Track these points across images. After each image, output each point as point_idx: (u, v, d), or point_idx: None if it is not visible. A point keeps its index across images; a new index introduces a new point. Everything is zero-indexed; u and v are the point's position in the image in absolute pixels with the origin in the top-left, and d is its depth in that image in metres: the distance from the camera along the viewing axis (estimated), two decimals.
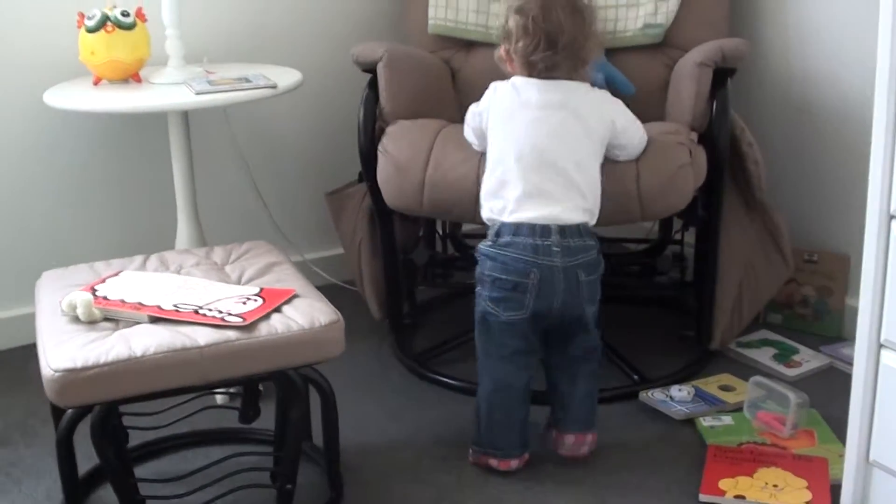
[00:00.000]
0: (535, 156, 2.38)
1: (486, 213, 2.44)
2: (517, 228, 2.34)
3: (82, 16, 2.75)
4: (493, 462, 2.45)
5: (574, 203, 2.37)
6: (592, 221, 2.40)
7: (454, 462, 2.48)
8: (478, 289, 2.42)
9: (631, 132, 2.51)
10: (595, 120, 2.45)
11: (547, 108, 2.43)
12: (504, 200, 2.38)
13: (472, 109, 2.58)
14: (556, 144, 2.39)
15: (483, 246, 2.39)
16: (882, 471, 2.07)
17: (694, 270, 2.94)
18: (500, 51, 2.53)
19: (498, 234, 2.36)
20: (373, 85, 2.85)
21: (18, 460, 2.52)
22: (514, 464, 2.44)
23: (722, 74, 2.67)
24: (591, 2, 2.60)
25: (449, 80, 3.10)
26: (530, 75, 2.47)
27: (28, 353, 2.94)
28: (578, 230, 2.36)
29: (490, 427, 2.44)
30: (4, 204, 3.06)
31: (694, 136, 2.64)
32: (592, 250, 2.38)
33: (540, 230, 2.33)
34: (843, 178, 2.99)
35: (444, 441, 2.57)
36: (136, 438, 2.37)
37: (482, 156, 2.56)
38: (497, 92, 2.52)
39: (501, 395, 2.43)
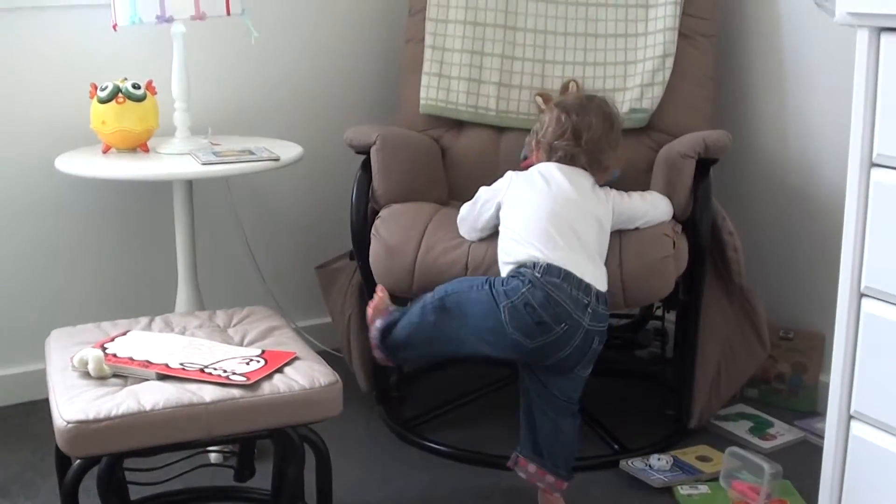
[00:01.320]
0: (568, 225, 2.48)
1: (521, 256, 2.46)
2: (567, 276, 2.40)
3: (95, 87, 2.86)
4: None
5: (602, 275, 2.49)
6: None
7: None
8: (486, 285, 2.44)
9: (627, 200, 2.66)
10: (603, 198, 2.61)
11: (569, 186, 2.56)
12: (544, 250, 2.43)
13: (486, 189, 2.68)
14: (585, 219, 2.52)
15: (529, 271, 2.41)
16: None
17: (674, 349, 3.02)
18: (532, 138, 2.71)
19: (547, 272, 2.40)
20: (365, 166, 2.94)
21: None
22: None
23: (704, 164, 2.76)
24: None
25: (439, 159, 3.19)
26: (548, 160, 2.62)
27: (27, 410, 3.04)
28: (605, 300, 2.46)
29: (411, 344, 2.54)
30: (10, 264, 3.15)
31: (678, 226, 2.74)
32: (608, 322, 2.49)
33: (584, 287, 2.41)
34: (819, 260, 3.09)
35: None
36: (133, 494, 2.43)
37: (472, 242, 2.67)
38: (515, 176, 2.64)
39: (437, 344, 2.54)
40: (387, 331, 2.54)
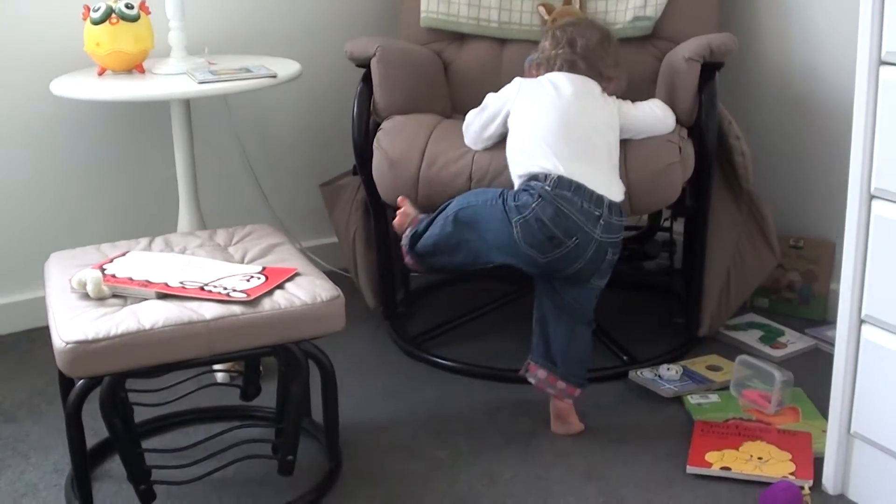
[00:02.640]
0: (580, 134, 2.47)
1: (531, 168, 2.43)
2: (577, 189, 2.38)
3: (87, 8, 2.81)
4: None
5: (618, 184, 2.47)
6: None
7: (448, 438, 2.54)
8: (508, 202, 2.42)
9: (633, 111, 2.62)
10: (611, 105, 2.58)
11: (579, 94, 2.53)
12: (555, 161, 2.41)
13: (494, 96, 2.64)
14: (596, 128, 2.50)
15: (538, 184, 2.39)
16: (863, 442, 2.15)
17: (683, 258, 3.00)
18: (532, 61, 2.69)
19: (558, 185, 2.38)
20: (366, 80, 2.90)
21: (26, 436, 2.58)
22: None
23: (710, 69, 2.71)
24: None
25: (441, 72, 3.15)
26: (549, 71, 2.60)
27: (33, 336, 3.05)
28: (619, 210, 2.44)
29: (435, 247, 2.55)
30: (10, 190, 3.13)
31: (683, 131, 2.70)
32: (622, 232, 2.47)
33: (596, 199, 2.39)
34: (827, 167, 3.06)
35: (438, 418, 2.64)
36: (140, 415, 2.43)
37: (476, 153, 2.64)
38: (524, 82, 2.61)
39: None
40: (416, 238, 2.55)
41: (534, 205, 2.37)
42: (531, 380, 2.54)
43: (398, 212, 2.63)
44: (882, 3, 1.94)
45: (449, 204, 2.52)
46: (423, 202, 2.67)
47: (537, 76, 2.64)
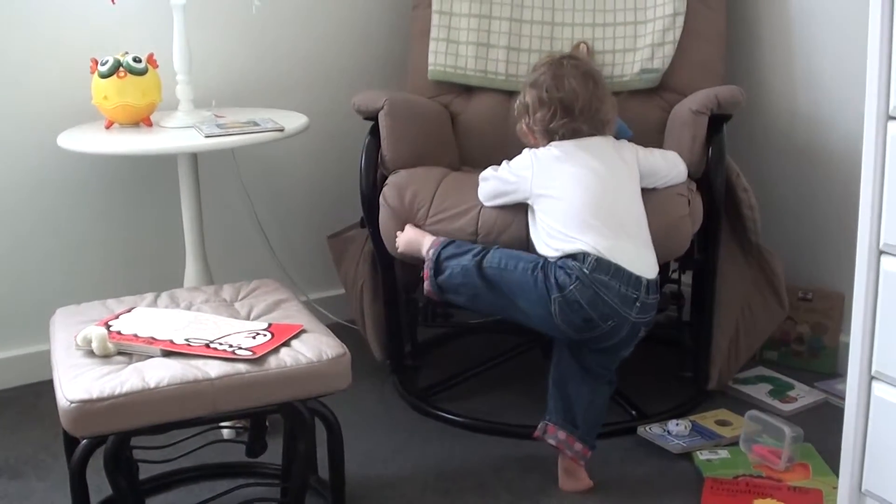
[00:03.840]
0: (614, 208, 2.43)
1: (568, 249, 2.39)
2: (616, 272, 2.36)
3: (95, 62, 2.82)
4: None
5: (652, 257, 2.45)
6: None
7: (456, 495, 2.52)
8: (545, 281, 2.38)
9: (650, 158, 2.59)
10: (630, 160, 2.54)
11: (601, 162, 2.48)
12: (593, 241, 2.37)
13: (509, 171, 2.57)
14: (629, 198, 2.47)
15: (576, 265, 2.36)
16: (874, 500, 2.11)
17: (691, 311, 2.98)
18: (522, 126, 2.60)
19: (596, 268, 2.35)
20: (374, 132, 2.90)
21: (31, 493, 2.56)
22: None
23: (717, 121, 2.71)
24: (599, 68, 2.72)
25: (449, 124, 3.16)
26: (551, 142, 2.54)
27: (39, 390, 3.03)
28: (655, 287, 2.43)
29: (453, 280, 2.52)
30: (16, 243, 3.12)
31: (692, 184, 2.69)
32: (655, 310, 2.46)
33: (634, 282, 2.37)
34: (837, 218, 3.05)
35: (446, 475, 2.61)
36: (144, 472, 2.41)
37: (481, 206, 2.62)
38: (537, 158, 2.53)
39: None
40: (439, 265, 2.51)
41: (571, 286, 2.35)
42: (550, 441, 2.50)
43: (399, 234, 2.64)
44: (889, 59, 1.93)
45: (469, 247, 2.50)
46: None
47: (534, 143, 2.58)
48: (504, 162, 2.61)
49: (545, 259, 2.41)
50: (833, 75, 3.01)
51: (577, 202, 2.42)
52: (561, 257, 2.39)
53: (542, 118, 2.54)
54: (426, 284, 2.55)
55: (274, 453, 2.48)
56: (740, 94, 2.78)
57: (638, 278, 2.38)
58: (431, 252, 2.53)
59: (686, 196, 2.61)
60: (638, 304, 2.38)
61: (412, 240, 2.62)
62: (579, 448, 2.49)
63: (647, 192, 2.58)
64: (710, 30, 3.07)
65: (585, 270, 2.34)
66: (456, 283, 2.49)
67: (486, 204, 2.62)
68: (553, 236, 2.43)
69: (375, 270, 2.98)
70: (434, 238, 2.58)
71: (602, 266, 2.35)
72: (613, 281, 2.35)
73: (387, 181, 2.81)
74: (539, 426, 2.52)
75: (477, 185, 2.64)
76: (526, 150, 2.57)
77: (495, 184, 2.59)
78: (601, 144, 2.53)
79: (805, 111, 3.11)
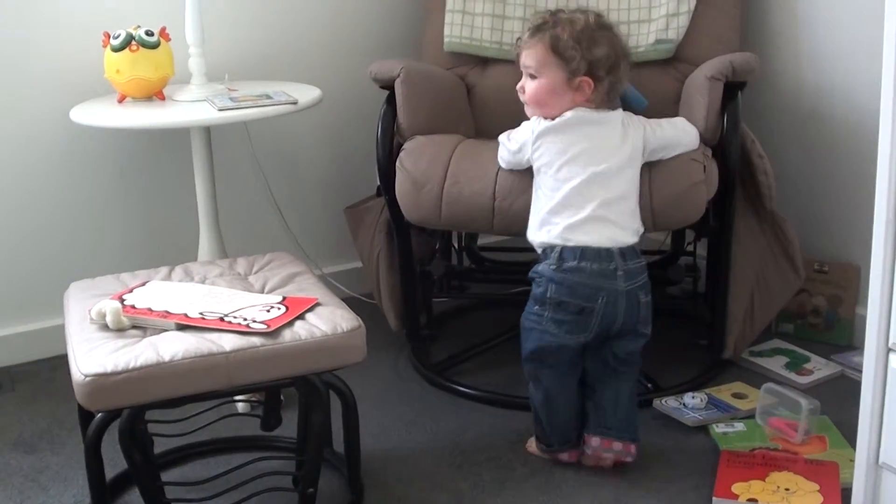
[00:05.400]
0: (592, 180, 2.41)
1: (541, 238, 2.43)
2: (582, 253, 2.36)
3: (108, 35, 2.81)
4: (564, 456, 2.52)
5: (628, 225, 2.43)
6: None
7: (471, 469, 2.52)
8: (535, 308, 2.42)
9: (659, 132, 2.56)
10: (633, 134, 2.51)
11: (601, 147, 2.45)
12: (561, 224, 2.39)
13: (512, 140, 2.57)
14: (610, 168, 2.43)
15: (545, 267, 2.40)
16: (892, 473, 2.10)
17: (706, 281, 2.97)
18: (580, 79, 2.47)
19: (561, 258, 2.37)
20: (390, 101, 2.88)
21: (45, 467, 2.57)
22: (577, 454, 2.52)
23: (732, 88, 2.70)
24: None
25: (465, 96, 3.14)
26: (598, 106, 2.50)
27: (54, 364, 3.04)
28: (634, 251, 2.42)
29: (553, 425, 2.49)
30: (30, 218, 3.12)
31: (707, 150, 2.67)
32: (646, 270, 2.44)
33: (605, 254, 2.37)
34: (852, 189, 3.03)
35: (461, 449, 2.61)
36: (160, 446, 2.41)
37: (499, 170, 2.61)
38: (540, 126, 2.50)
39: (560, 400, 2.48)
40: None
41: (548, 295, 2.38)
42: (587, 451, 2.50)
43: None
44: None
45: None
46: (446, 221, 2.68)
47: (577, 98, 2.49)
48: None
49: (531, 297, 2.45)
50: (848, 45, 2.98)
51: (565, 186, 2.42)
52: (535, 266, 2.44)
53: (613, 80, 2.52)
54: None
55: (289, 427, 2.49)
56: (755, 61, 2.77)
57: (608, 250, 2.37)
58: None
59: (701, 162, 2.59)
60: (620, 272, 2.37)
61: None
62: (619, 447, 2.48)
63: (662, 160, 2.57)
64: (726, 0, 3.04)
65: (552, 267, 2.38)
66: (541, 411, 2.51)
67: (505, 167, 2.62)
68: (535, 216, 2.48)
69: (391, 239, 2.97)
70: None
71: (566, 254, 2.37)
72: (583, 262, 2.36)
73: (403, 146, 2.80)
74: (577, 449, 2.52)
75: (494, 152, 2.64)
76: (533, 120, 2.54)
77: (511, 158, 2.59)
78: (609, 122, 2.51)
79: (819, 82, 3.08)
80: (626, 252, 2.39)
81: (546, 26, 2.51)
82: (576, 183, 2.40)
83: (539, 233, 2.45)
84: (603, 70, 2.48)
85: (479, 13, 3.15)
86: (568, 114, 2.48)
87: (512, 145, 2.57)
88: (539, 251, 2.46)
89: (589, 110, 2.49)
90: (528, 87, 2.55)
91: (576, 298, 2.37)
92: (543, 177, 2.47)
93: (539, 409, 2.50)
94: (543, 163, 2.47)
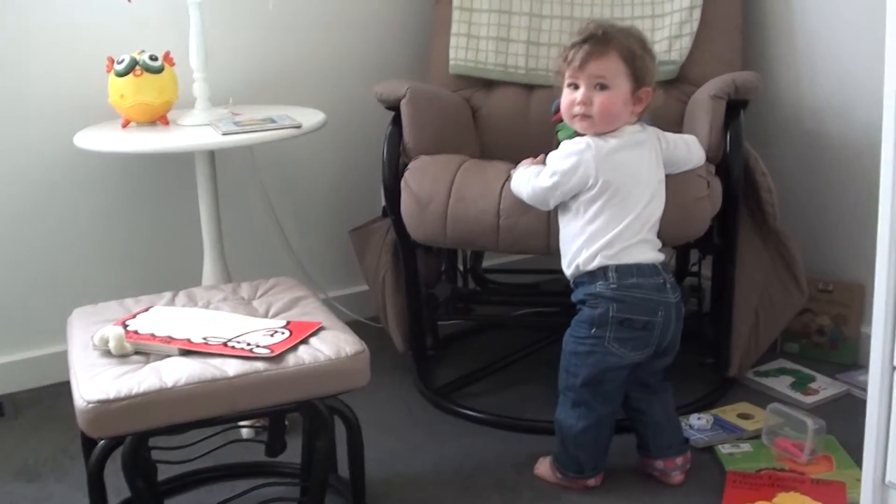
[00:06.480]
0: (648, 204, 2.40)
1: (595, 263, 2.37)
2: (639, 269, 2.36)
3: (112, 60, 2.81)
4: (591, 482, 2.51)
5: (657, 240, 2.45)
6: None
7: (477, 493, 2.51)
8: (593, 331, 2.38)
9: (672, 149, 2.54)
10: (658, 150, 2.50)
11: (644, 156, 2.44)
12: (617, 247, 2.36)
13: (556, 174, 2.40)
14: (656, 190, 2.44)
15: (602, 288, 2.37)
16: None
17: (711, 299, 2.97)
18: (643, 89, 2.42)
19: (621, 277, 2.35)
20: (396, 122, 2.90)
21: (48, 496, 2.56)
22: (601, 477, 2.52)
23: (735, 106, 2.70)
24: None
25: (470, 117, 3.16)
26: (638, 119, 2.47)
27: (57, 391, 3.04)
28: (665, 266, 2.43)
29: (593, 453, 2.49)
30: (34, 244, 3.12)
31: (711, 168, 2.67)
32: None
33: (653, 269, 2.38)
34: (856, 208, 3.03)
35: (467, 473, 2.60)
36: (163, 473, 2.40)
37: (503, 188, 2.60)
38: (607, 146, 2.38)
39: (607, 425, 2.48)
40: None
41: (611, 315, 2.36)
42: (653, 473, 2.52)
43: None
44: None
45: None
46: (451, 239, 2.68)
47: (639, 108, 2.44)
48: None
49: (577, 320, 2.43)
50: (851, 65, 2.98)
51: (616, 222, 2.39)
52: (589, 287, 2.39)
53: (649, 67, 2.47)
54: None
55: (293, 452, 2.47)
56: (757, 79, 2.78)
57: (653, 266, 2.38)
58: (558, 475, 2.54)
59: (705, 178, 2.60)
60: (667, 285, 2.38)
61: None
62: (680, 462, 2.50)
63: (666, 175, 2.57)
64: (727, 22, 3.07)
65: (612, 286, 2.36)
66: (582, 438, 2.47)
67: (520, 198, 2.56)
68: (579, 243, 2.41)
69: (397, 260, 2.98)
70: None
71: (623, 271, 2.36)
72: (640, 279, 2.36)
73: (408, 166, 2.80)
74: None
75: (498, 170, 2.64)
76: (580, 145, 2.41)
77: (545, 195, 2.45)
78: (646, 145, 2.47)
79: (824, 99, 3.09)
80: (664, 267, 2.41)
81: (608, 35, 2.40)
82: (640, 209, 2.38)
83: (590, 258, 2.37)
84: (653, 81, 2.47)
85: (484, 36, 3.17)
86: (626, 131, 2.43)
87: (547, 180, 2.41)
88: (584, 275, 2.41)
89: (634, 127, 2.46)
90: (598, 99, 2.39)
91: (641, 314, 2.36)
92: (599, 202, 2.37)
93: (578, 436, 2.45)
94: (606, 188, 2.36)
